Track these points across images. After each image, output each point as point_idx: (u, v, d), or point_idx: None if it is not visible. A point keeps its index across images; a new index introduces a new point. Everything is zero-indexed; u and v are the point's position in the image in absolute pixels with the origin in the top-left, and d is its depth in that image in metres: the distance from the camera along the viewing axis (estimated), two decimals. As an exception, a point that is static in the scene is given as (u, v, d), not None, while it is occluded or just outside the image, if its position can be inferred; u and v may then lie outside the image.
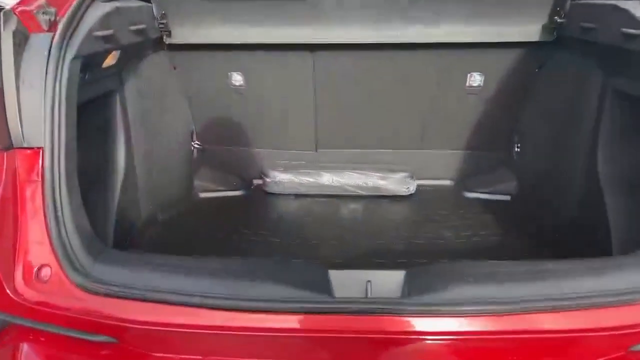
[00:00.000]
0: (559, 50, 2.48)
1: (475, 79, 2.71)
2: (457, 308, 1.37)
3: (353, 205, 2.81)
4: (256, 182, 3.12)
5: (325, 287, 1.47)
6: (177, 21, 2.51)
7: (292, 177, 2.91)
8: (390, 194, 2.87)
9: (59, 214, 1.56)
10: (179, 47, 2.61)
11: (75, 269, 1.50)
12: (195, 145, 2.96)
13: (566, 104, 2.43)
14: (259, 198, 2.94)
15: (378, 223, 2.60)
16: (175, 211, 2.66)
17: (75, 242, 1.56)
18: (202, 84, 2.81)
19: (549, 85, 2.55)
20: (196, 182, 2.95)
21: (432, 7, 2.42)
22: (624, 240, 2.09)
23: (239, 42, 2.58)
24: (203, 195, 2.90)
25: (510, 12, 2.42)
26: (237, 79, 2.77)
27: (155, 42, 2.50)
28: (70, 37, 1.73)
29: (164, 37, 2.53)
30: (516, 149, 2.87)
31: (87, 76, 1.91)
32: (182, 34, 2.55)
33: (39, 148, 1.60)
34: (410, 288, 1.44)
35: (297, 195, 2.93)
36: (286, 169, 2.96)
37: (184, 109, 2.84)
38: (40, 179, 1.58)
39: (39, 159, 1.59)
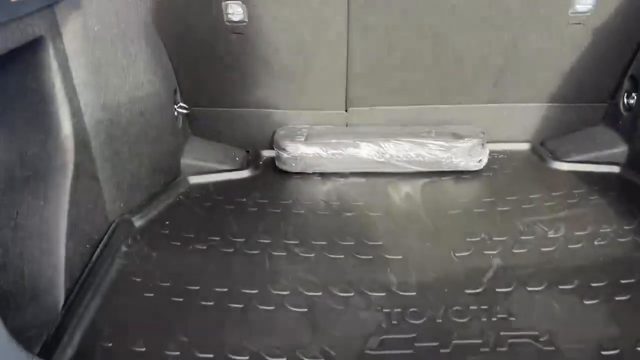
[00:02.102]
0: None
1: (586, 1, 1.86)
2: None
3: (407, 189, 2.02)
4: (265, 154, 2.30)
5: None
6: None
7: (319, 150, 2.09)
8: (456, 170, 2.10)
9: None
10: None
11: None
12: (180, 110, 2.10)
13: None
14: (271, 180, 2.13)
15: (451, 219, 1.82)
16: (157, 211, 1.86)
17: None
18: (186, 20, 1.91)
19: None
20: (184, 162, 2.12)
21: None
22: None
23: None
24: (194, 180, 2.08)
25: None
26: (235, 11, 1.89)
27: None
28: None
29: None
30: (627, 101, 2.08)
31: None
32: None
33: None
34: None
35: (325, 175, 2.13)
36: (309, 137, 2.14)
37: (162, 58, 1.96)
38: None
39: None
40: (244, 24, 1.91)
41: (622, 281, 1.48)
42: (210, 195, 2.01)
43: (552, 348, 1.25)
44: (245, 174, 2.15)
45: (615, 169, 2.05)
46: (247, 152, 2.32)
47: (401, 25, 1.94)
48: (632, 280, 1.48)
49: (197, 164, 2.14)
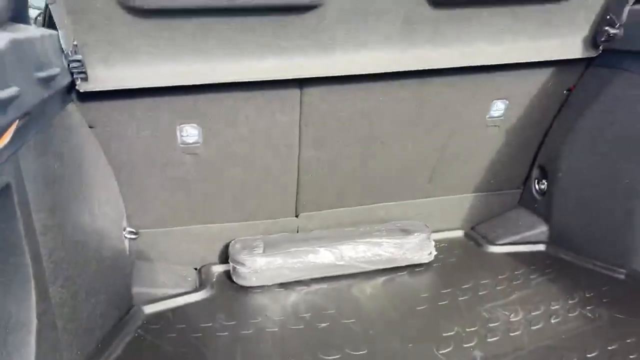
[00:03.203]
0: (604, 66, 2.04)
1: (498, 108, 2.18)
2: None
3: (369, 290, 2.07)
4: (217, 269, 2.23)
5: None
6: (98, 57, 1.57)
7: (279, 261, 2.08)
8: (409, 264, 2.21)
9: None
10: (99, 95, 1.66)
11: None
12: (128, 235, 1.98)
13: (621, 131, 1.99)
14: (233, 299, 2.04)
15: (421, 316, 1.89)
16: (117, 353, 1.67)
17: None
18: (136, 144, 1.87)
19: (588, 108, 2.10)
20: (136, 290, 1.97)
21: (466, 22, 1.82)
22: None
23: (194, 84, 1.72)
24: (150, 309, 1.93)
25: (550, 24, 1.92)
26: (190, 133, 1.89)
27: (62, 91, 1.53)
28: None
29: (78, 82, 1.57)
30: (539, 187, 2.40)
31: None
32: (107, 77, 1.61)
33: None
34: None
35: (286, 285, 2.11)
36: (267, 248, 2.12)
37: (111, 185, 1.86)
38: None
39: None
40: (198, 144, 1.92)
41: (588, 355, 1.63)
42: (171, 324, 1.87)
43: None
44: (202, 295, 2.05)
45: (542, 247, 2.31)
46: (197, 269, 2.23)
47: (348, 135, 2.08)
48: (596, 353, 1.64)
49: (149, 291, 2.00)
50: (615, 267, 2.04)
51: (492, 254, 2.33)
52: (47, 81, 1.27)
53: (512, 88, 2.12)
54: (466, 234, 2.50)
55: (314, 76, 1.80)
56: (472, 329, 1.80)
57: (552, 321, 1.83)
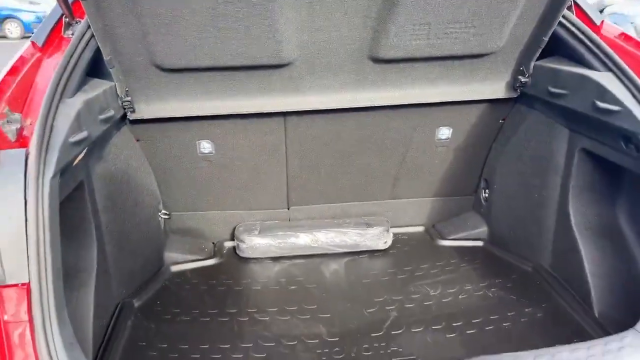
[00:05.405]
0: (523, 104, 2.59)
1: (444, 133, 2.78)
2: None
3: (334, 266, 2.77)
4: (228, 245, 3.00)
5: None
6: (142, 98, 2.36)
7: (270, 241, 2.82)
8: (369, 249, 2.87)
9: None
10: (143, 121, 2.45)
11: None
12: (162, 216, 2.80)
13: (533, 155, 2.55)
14: (234, 265, 2.82)
15: (365, 286, 2.57)
16: (149, 294, 2.49)
17: None
18: (168, 153, 2.66)
19: (513, 136, 2.66)
20: (166, 254, 2.78)
21: (403, 72, 2.44)
22: (602, 287, 2.22)
23: (208, 114, 2.47)
24: (175, 269, 2.74)
25: (476, 73, 2.49)
26: (205, 146, 2.66)
27: (118, 120, 2.34)
28: (46, 151, 1.57)
29: (128, 114, 2.37)
30: (484, 195, 2.97)
31: (60, 181, 1.75)
32: (147, 110, 2.40)
33: (24, 284, 1.43)
34: None
35: (275, 259, 2.85)
36: (261, 231, 2.87)
37: (150, 181, 2.68)
38: (28, 319, 1.42)
39: (25, 297, 1.43)
40: (212, 154, 2.68)
41: (473, 321, 2.25)
42: (188, 279, 2.67)
43: None
44: (213, 261, 2.83)
45: (480, 244, 2.90)
46: (214, 244, 3.02)
47: (325, 151, 2.76)
48: (480, 319, 2.26)
49: (176, 256, 2.80)
50: (525, 261, 2.61)
51: (440, 246, 2.94)
52: (106, 120, 2.07)
53: (454, 118, 2.71)
54: (426, 230, 3.11)
55: (292, 110, 2.50)
56: (397, 297, 2.45)
57: (460, 297, 2.44)
